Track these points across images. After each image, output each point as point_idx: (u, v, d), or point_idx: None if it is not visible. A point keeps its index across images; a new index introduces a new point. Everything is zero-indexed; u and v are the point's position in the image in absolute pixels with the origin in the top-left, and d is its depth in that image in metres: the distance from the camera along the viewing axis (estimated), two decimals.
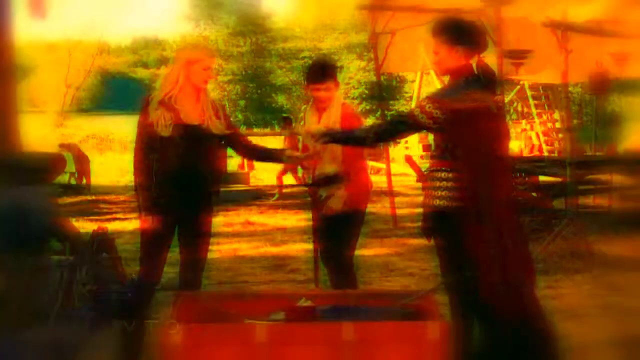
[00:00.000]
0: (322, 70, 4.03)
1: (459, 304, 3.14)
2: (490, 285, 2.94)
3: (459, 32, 3.12)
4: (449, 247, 3.08)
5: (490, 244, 2.95)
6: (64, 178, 13.32)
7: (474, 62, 3.11)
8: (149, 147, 3.44)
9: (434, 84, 21.37)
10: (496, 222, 2.98)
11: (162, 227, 3.48)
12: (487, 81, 3.09)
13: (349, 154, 3.87)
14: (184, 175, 3.46)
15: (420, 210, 3.31)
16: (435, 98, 3.07)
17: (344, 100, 4.19)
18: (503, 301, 2.95)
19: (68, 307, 3.81)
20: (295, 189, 11.24)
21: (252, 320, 2.94)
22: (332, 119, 3.91)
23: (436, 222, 3.09)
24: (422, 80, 22.15)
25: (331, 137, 3.44)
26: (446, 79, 3.27)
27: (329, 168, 3.91)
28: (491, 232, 2.96)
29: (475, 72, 3.09)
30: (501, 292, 2.94)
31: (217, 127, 3.52)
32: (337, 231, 3.93)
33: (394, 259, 6.37)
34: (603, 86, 8.54)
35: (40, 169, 4.04)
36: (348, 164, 3.88)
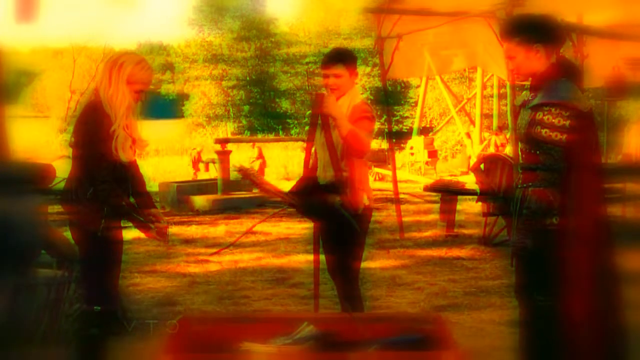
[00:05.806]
0: (333, 54, 3.82)
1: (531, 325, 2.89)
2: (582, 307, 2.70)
3: (536, 30, 2.77)
4: (544, 264, 2.78)
5: (592, 263, 2.70)
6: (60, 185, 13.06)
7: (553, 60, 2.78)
8: None
9: (439, 89, 21.21)
10: (599, 240, 2.72)
11: None
12: (578, 80, 2.80)
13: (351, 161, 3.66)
14: None
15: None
16: (562, 103, 2.67)
17: (361, 100, 3.76)
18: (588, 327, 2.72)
19: (54, 328, 3.61)
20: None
21: (248, 349, 2.73)
22: (343, 109, 3.64)
23: (536, 238, 2.78)
24: (427, 85, 21.96)
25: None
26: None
27: (329, 175, 3.69)
28: (595, 251, 2.71)
29: (565, 70, 2.76)
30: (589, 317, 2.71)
31: None
32: (343, 239, 3.70)
33: (400, 272, 6.12)
34: (620, 91, 8.31)
35: (29, 180, 3.85)
36: (350, 169, 3.66)
